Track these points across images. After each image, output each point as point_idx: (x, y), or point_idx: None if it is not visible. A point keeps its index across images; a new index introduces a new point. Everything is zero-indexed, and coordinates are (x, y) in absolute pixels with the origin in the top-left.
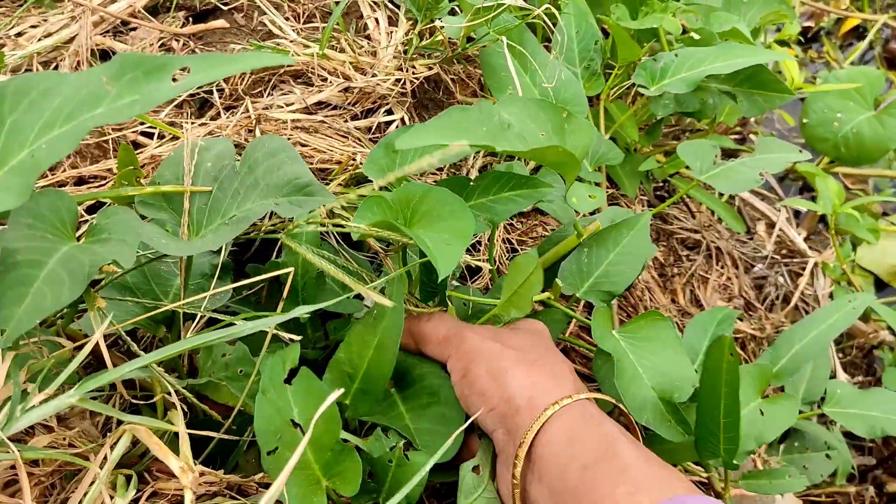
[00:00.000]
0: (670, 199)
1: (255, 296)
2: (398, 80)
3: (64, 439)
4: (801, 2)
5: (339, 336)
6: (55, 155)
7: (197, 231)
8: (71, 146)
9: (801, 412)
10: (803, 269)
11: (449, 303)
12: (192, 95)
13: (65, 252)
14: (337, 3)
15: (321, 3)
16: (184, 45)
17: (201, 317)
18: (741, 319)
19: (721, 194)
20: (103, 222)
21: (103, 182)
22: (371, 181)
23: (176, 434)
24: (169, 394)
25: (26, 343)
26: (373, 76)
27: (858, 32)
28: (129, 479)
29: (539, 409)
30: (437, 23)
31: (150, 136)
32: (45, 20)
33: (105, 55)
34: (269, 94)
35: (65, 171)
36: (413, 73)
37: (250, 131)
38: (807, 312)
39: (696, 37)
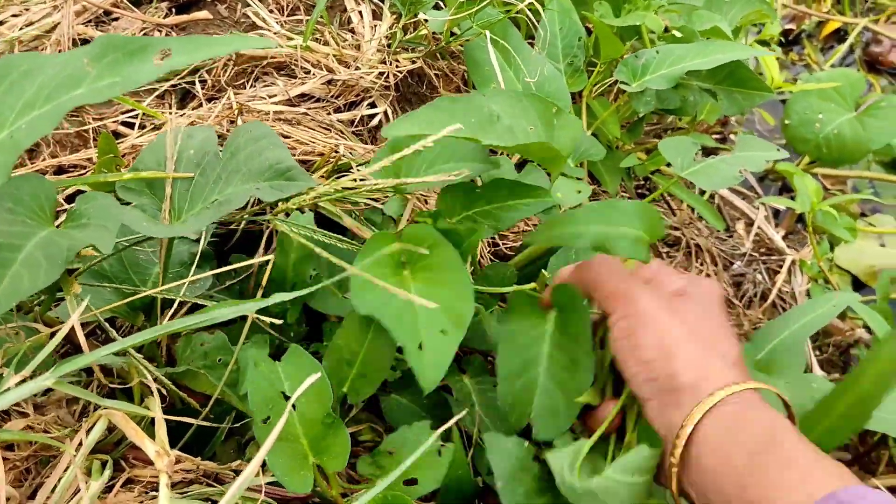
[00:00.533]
0: (651, 196)
1: (239, 286)
2: (381, 74)
3: (39, 424)
4: (783, 4)
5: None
6: (34, 134)
7: (178, 216)
8: (50, 126)
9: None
10: (781, 266)
11: None
12: (174, 86)
13: (43, 236)
14: None
15: None
16: (166, 35)
17: (180, 305)
18: None
19: (702, 192)
20: (83, 207)
21: (83, 171)
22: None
23: (152, 421)
24: (146, 380)
25: (3, 328)
26: (356, 69)
27: (839, 35)
28: (104, 464)
29: (704, 393)
30: (421, 16)
31: (130, 125)
32: (27, 9)
33: (87, 44)
34: (251, 85)
35: (44, 159)
36: (396, 66)
37: (232, 122)
38: (784, 310)
39: (679, 34)
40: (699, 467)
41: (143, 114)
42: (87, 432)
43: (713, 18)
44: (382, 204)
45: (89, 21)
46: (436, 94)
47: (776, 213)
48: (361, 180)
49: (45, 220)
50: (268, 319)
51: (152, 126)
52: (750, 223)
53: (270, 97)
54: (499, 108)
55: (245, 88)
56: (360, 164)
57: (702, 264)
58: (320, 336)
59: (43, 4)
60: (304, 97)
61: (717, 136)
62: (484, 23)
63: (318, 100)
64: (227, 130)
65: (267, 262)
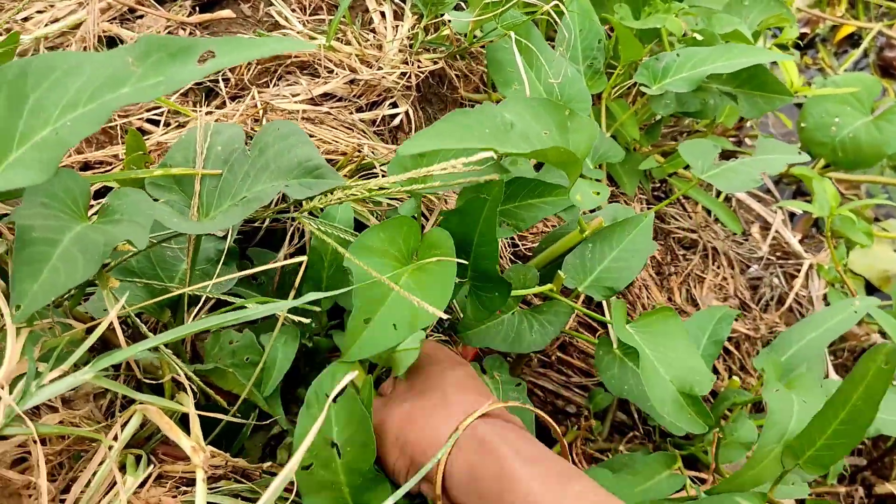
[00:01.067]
0: (669, 198)
1: (266, 283)
2: (403, 74)
3: (73, 419)
4: (798, 8)
5: None
6: (79, 133)
7: (207, 213)
8: (96, 125)
9: None
10: (798, 270)
11: None
12: (197, 84)
13: (78, 231)
14: None
15: None
16: (189, 33)
17: (205, 301)
18: (736, 319)
19: (718, 194)
20: (115, 203)
21: (109, 168)
22: (375, 172)
23: (181, 418)
24: (177, 377)
25: (38, 322)
26: (378, 69)
27: (853, 40)
28: (138, 459)
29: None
30: (444, 17)
31: (156, 122)
32: (52, 6)
33: (112, 42)
34: (275, 84)
35: (70, 155)
36: (418, 66)
37: (256, 121)
38: (801, 314)
39: (699, 37)
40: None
41: (168, 111)
42: (122, 427)
43: (733, 22)
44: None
45: (114, 18)
46: (456, 94)
47: (791, 216)
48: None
49: (79, 216)
50: (295, 318)
51: (177, 124)
52: (766, 227)
53: (294, 96)
54: (511, 116)
55: (268, 87)
56: (382, 164)
57: (718, 267)
58: (344, 326)
59: (68, 1)
60: (326, 96)
61: (733, 139)
62: (507, 24)
63: (340, 99)
64: (252, 129)
65: (300, 263)
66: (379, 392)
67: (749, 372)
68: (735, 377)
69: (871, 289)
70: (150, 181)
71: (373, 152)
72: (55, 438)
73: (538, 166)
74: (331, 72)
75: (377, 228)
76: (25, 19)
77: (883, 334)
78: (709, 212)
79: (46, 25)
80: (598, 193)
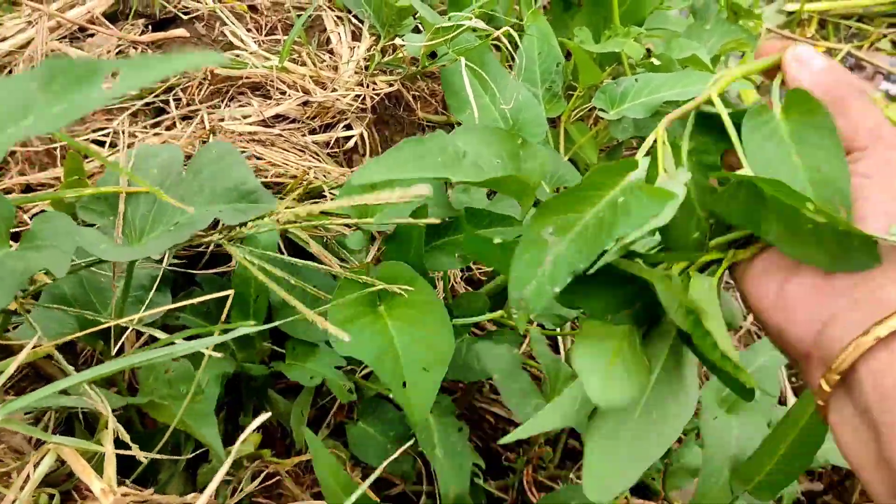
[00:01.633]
0: None
1: (206, 306)
2: (358, 96)
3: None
4: (768, 29)
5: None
6: None
7: (139, 238)
8: None
9: None
10: None
11: None
12: (147, 104)
13: None
14: (300, 16)
15: (285, 16)
16: (141, 52)
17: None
18: None
19: None
20: (38, 228)
21: (52, 190)
22: (326, 196)
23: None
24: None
25: None
26: (332, 91)
27: None
28: (51, 497)
29: None
30: (398, 40)
31: (101, 144)
32: (1, 24)
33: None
34: (226, 105)
35: (12, 177)
36: (374, 89)
37: (204, 142)
38: (759, 336)
39: (657, 62)
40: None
41: (115, 132)
42: (36, 465)
43: (692, 46)
44: (353, 230)
45: (64, 37)
46: (413, 116)
47: None
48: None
49: (0, 241)
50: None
51: (125, 145)
52: None
53: (245, 118)
54: (464, 145)
55: (219, 108)
56: (332, 188)
57: None
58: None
59: (17, 19)
60: (279, 118)
61: None
62: (461, 48)
63: (293, 121)
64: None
65: (239, 284)
66: None
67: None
68: None
69: None
70: (81, 205)
71: (325, 175)
72: None
73: (493, 194)
74: (283, 93)
75: (337, 297)
76: None
77: None
78: None
79: None
80: None
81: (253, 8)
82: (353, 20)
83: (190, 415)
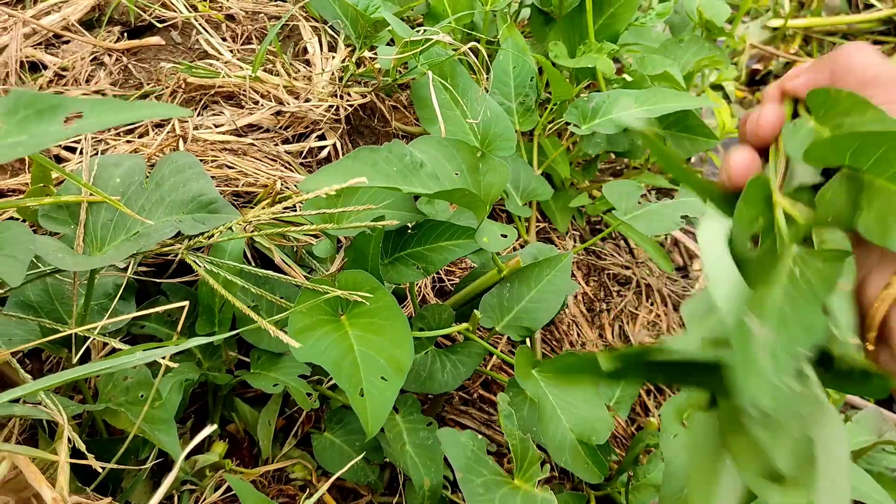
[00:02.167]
0: (598, 235)
1: (171, 315)
2: (332, 106)
3: None
4: (752, 45)
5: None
6: None
7: (100, 247)
8: None
9: None
10: None
11: None
12: None
13: None
14: (274, 26)
15: (260, 26)
16: (116, 60)
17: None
18: None
19: None
20: None
21: (21, 196)
22: (294, 208)
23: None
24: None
25: None
26: (306, 101)
27: None
28: None
29: None
30: (367, 55)
31: (73, 150)
32: None
33: (35, 67)
34: (199, 113)
35: None
36: (347, 100)
37: (175, 150)
38: None
39: (629, 78)
40: None
41: (85, 138)
42: None
43: (664, 63)
44: (318, 240)
45: (39, 43)
46: (388, 126)
47: None
48: (288, 221)
49: None
50: (172, 364)
51: (94, 152)
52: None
53: (217, 126)
54: (422, 155)
55: (192, 116)
56: (300, 199)
57: (652, 304)
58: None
59: None
60: (252, 127)
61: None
62: (431, 61)
63: (266, 130)
64: None
65: (202, 293)
66: None
67: None
68: (653, 418)
69: None
70: (43, 214)
71: (295, 185)
72: None
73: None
74: (256, 103)
75: (298, 306)
76: None
77: None
78: None
79: None
80: (506, 235)
81: (230, 17)
82: (330, 31)
83: (148, 421)
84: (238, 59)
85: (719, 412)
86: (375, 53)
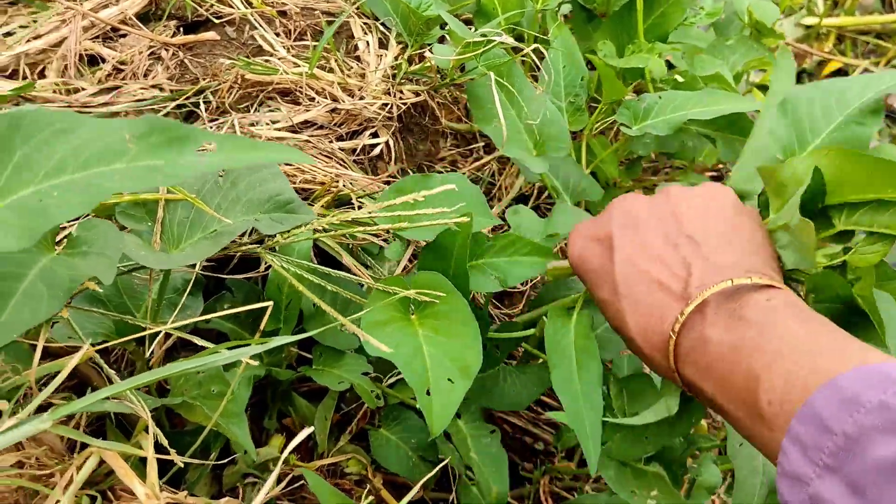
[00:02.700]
0: None
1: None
2: (385, 104)
3: (28, 459)
4: (786, 43)
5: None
6: (68, 208)
7: (177, 244)
8: (87, 204)
9: None
10: None
11: None
12: (179, 107)
13: (44, 265)
14: (329, 22)
15: (313, 22)
16: (173, 54)
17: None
18: None
19: None
20: (83, 234)
21: None
22: (352, 204)
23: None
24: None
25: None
26: (360, 98)
27: (840, 76)
28: (93, 498)
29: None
30: (427, 52)
31: None
32: (35, 21)
33: (93, 60)
34: (255, 109)
35: None
36: (400, 98)
37: None
38: None
39: (680, 79)
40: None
41: None
42: (79, 468)
43: (715, 64)
44: (384, 241)
45: (97, 36)
46: (438, 124)
47: None
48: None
49: (45, 246)
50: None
51: None
52: None
53: (273, 123)
54: None
55: (249, 112)
56: (360, 197)
57: None
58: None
59: (51, 18)
60: (307, 124)
61: (715, 175)
62: (490, 63)
63: (320, 127)
64: None
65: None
66: None
67: None
68: (703, 421)
69: None
70: (120, 210)
71: (351, 183)
72: (13, 474)
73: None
74: (312, 99)
75: (373, 301)
76: (7, 34)
77: None
78: None
79: (28, 41)
80: None
81: (282, 13)
82: (381, 28)
83: (221, 415)
84: (292, 56)
85: None
86: (428, 51)
